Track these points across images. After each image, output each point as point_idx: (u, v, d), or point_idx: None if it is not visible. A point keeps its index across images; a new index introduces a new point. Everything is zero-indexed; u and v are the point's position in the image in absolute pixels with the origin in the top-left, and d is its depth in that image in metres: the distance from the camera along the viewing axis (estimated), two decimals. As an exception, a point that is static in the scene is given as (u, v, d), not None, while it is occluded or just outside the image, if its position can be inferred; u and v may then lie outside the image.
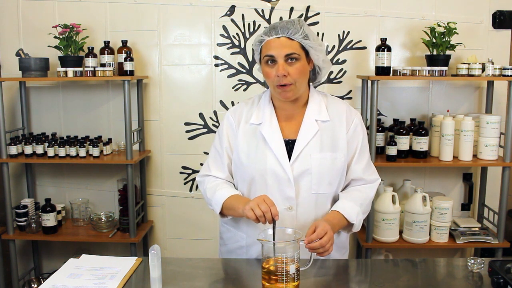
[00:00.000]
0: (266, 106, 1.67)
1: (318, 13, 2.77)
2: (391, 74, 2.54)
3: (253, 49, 1.68)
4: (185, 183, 2.96)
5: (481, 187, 2.84)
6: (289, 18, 2.76)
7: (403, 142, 2.60)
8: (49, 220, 2.73)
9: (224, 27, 2.81)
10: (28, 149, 2.70)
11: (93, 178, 3.02)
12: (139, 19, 2.83)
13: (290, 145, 1.62)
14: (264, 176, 1.60)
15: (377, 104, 2.51)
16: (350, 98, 2.85)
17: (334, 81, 2.83)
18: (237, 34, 2.81)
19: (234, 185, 1.72)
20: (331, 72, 2.82)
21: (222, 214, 1.66)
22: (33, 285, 2.89)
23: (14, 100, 2.97)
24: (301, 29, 1.55)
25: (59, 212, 2.85)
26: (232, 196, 1.61)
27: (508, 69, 2.48)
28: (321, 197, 1.62)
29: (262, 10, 2.78)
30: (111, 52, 2.72)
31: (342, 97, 2.83)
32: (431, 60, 2.61)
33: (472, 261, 1.48)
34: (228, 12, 2.80)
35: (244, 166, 1.63)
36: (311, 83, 1.71)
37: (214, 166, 1.72)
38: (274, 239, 1.36)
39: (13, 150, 2.69)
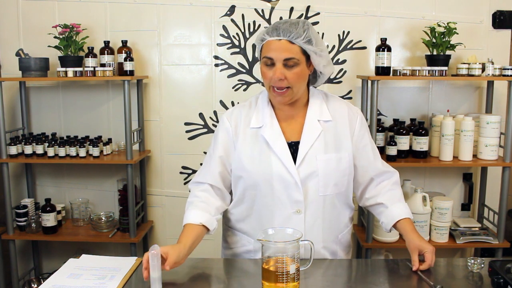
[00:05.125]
0: (265, 108, 1.63)
1: (318, 13, 2.77)
2: (391, 74, 2.54)
3: (254, 45, 1.66)
4: (185, 183, 2.96)
5: (481, 187, 2.84)
6: (289, 18, 2.76)
7: (403, 142, 2.60)
8: (49, 220, 2.73)
9: (224, 27, 2.81)
10: (28, 149, 2.70)
11: (93, 178, 3.02)
12: (139, 19, 2.83)
13: (293, 147, 1.59)
14: (269, 180, 1.57)
15: (377, 104, 2.51)
16: (350, 98, 2.85)
17: (334, 81, 2.83)
18: (237, 34, 2.81)
19: (221, 190, 1.67)
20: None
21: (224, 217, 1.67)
22: (33, 285, 2.89)
23: (14, 100, 2.97)
24: (304, 33, 1.49)
25: (59, 212, 2.85)
26: (187, 227, 1.54)
27: (508, 69, 2.48)
28: (328, 198, 1.60)
29: (262, 10, 2.78)
30: (111, 52, 2.72)
31: (342, 97, 2.81)
32: (431, 60, 2.61)
33: (472, 261, 1.48)
34: (228, 12, 2.80)
35: (247, 171, 1.59)
36: (310, 85, 1.68)
37: (203, 172, 1.67)
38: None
39: (13, 150, 2.69)
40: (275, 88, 1.53)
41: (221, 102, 2.87)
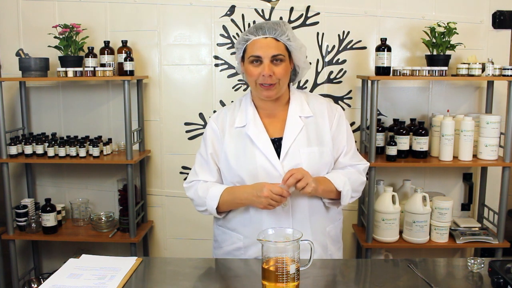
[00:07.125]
0: (248, 108, 1.70)
1: (318, 13, 2.77)
2: (391, 74, 2.54)
3: (235, 47, 1.70)
4: (185, 183, 2.96)
5: (481, 187, 2.84)
6: (289, 18, 2.77)
7: (403, 142, 2.60)
8: (49, 220, 2.73)
9: (224, 27, 2.81)
10: (28, 149, 2.70)
11: (93, 178, 3.02)
12: (139, 19, 2.83)
13: (276, 143, 1.65)
14: (255, 175, 1.62)
15: (377, 104, 2.51)
16: (350, 98, 2.85)
17: (334, 81, 2.83)
18: (237, 34, 2.81)
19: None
20: (331, 72, 2.82)
21: (217, 211, 1.66)
22: (33, 285, 2.89)
23: (14, 100, 2.97)
24: (287, 31, 1.59)
25: (59, 212, 2.85)
26: (229, 187, 1.65)
27: (508, 69, 2.48)
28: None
29: (262, 10, 2.78)
30: (111, 52, 2.72)
31: (342, 97, 2.84)
32: (431, 60, 2.61)
33: (472, 261, 1.48)
34: (228, 12, 2.80)
35: (233, 169, 1.65)
36: (291, 83, 1.74)
37: (202, 171, 1.74)
38: None
39: (13, 150, 2.69)
40: (262, 84, 1.59)
41: (221, 102, 2.87)
